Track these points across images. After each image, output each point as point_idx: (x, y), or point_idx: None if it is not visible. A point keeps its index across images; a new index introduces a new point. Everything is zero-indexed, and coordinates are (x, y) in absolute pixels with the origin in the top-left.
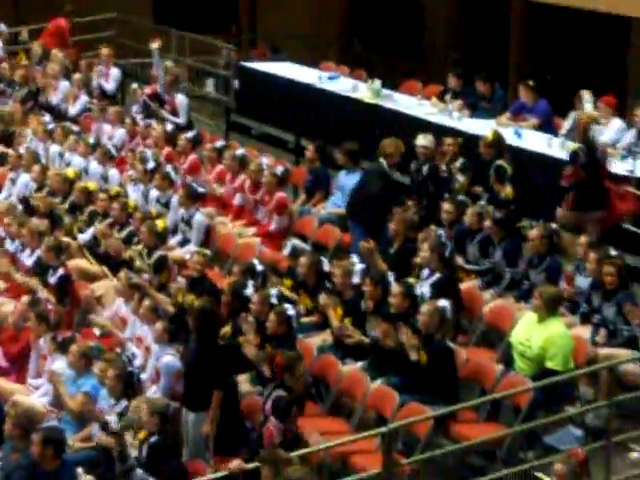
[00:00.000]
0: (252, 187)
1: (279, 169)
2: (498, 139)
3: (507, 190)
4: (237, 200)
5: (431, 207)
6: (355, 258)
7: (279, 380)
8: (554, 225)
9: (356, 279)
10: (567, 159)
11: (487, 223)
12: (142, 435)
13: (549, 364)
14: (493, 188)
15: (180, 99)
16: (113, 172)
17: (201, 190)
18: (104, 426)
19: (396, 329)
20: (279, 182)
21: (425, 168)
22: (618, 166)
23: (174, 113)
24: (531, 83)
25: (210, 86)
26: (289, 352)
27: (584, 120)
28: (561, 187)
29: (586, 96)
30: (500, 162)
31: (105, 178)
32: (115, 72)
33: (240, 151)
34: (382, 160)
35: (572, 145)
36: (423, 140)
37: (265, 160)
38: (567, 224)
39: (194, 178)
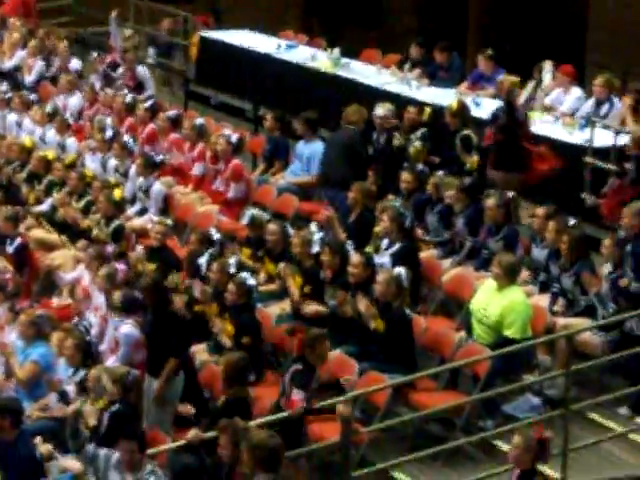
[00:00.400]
0: (213, 158)
1: (233, 137)
2: (463, 108)
3: (473, 159)
4: (197, 170)
5: (389, 176)
6: (314, 227)
7: (300, 354)
8: (511, 194)
9: (316, 248)
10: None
11: (449, 193)
12: (101, 404)
13: (507, 332)
14: (459, 158)
15: (141, 71)
16: (71, 141)
17: (159, 158)
18: (62, 395)
19: (354, 298)
20: (234, 150)
21: (382, 137)
22: (577, 135)
23: (138, 86)
24: (490, 52)
25: (151, 54)
26: (314, 329)
27: (507, 84)
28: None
29: (547, 66)
30: (466, 132)
31: (63, 147)
32: (75, 64)
33: (199, 120)
34: (351, 127)
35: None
36: (380, 109)
37: (226, 131)
38: (493, 183)
39: (152, 147)
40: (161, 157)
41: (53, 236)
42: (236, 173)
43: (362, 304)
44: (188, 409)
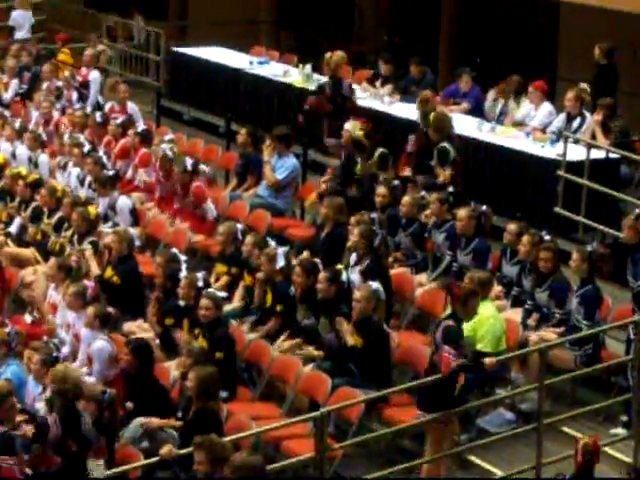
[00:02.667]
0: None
1: (188, 162)
2: (444, 119)
3: (446, 174)
4: (160, 190)
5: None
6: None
7: (452, 310)
8: (484, 207)
9: (281, 262)
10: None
11: (427, 212)
12: None
13: (479, 346)
14: (434, 170)
15: (94, 75)
16: (43, 157)
17: (110, 173)
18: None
19: (324, 317)
20: (192, 174)
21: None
22: (548, 150)
23: (84, 85)
24: (473, 73)
25: None
26: (467, 285)
27: (335, 58)
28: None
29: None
30: (444, 144)
31: (35, 163)
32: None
33: (167, 137)
34: None
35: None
36: (348, 124)
37: (164, 145)
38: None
39: (126, 163)
40: (112, 172)
41: (26, 252)
42: (199, 196)
43: (340, 323)
44: (170, 449)
